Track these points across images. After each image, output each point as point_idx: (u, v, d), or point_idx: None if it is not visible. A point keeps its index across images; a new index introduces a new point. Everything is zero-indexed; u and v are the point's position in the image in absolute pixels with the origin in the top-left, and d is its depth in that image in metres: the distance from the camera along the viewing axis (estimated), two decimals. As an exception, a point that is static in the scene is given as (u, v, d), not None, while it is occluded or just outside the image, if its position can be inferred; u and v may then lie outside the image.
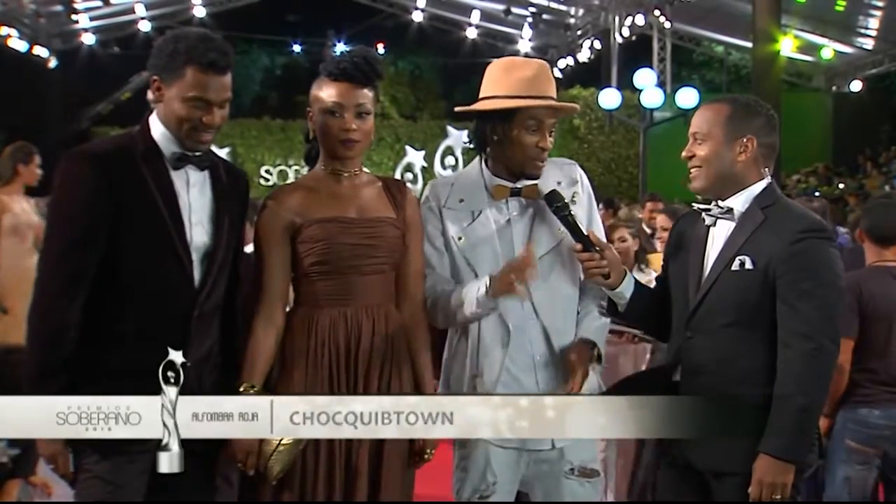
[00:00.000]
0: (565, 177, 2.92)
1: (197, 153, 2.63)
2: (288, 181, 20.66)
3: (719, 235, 2.76)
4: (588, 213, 2.94)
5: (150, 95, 2.60)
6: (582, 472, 2.83)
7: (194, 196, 2.63)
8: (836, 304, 2.66)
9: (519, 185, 2.85)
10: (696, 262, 2.77)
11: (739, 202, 2.73)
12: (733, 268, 2.66)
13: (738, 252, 2.67)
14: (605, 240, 2.90)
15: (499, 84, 2.84)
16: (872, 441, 3.84)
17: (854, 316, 3.83)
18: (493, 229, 2.82)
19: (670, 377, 2.79)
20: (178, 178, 2.61)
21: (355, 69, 2.69)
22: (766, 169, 2.78)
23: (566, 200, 2.79)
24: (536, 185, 2.85)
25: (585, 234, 2.78)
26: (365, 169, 2.88)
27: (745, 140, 2.73)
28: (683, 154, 2.80)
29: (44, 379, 2.50)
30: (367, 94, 2.72)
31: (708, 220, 2.79)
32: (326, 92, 2.71)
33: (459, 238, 2.83)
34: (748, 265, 2.64)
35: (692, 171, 2.78)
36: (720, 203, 2.75)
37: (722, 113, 2.75)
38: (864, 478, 3.87)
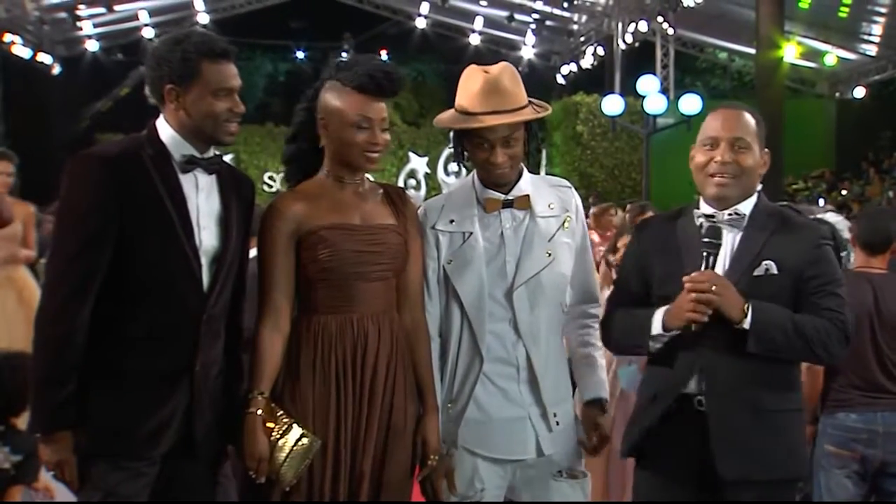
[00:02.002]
0: (558, 200, 2.90)
1: (207, 156, 2.63)
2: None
3: (724, 241, 2.72)
4: (580, 240, 2.93)
5: (168, 106, 2.58)
6: (570, 475, 2.85)
7: (203, 200, 2.63)
8: (848, 305, 2.72)
9: (511, 196, 2.84)
10: (696, 269, 2.69)
11: (747, 208, 2.76)
12: (756, 273, 2.66)
13: (757, 257, 2.67)
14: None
15: (459, 95, 2.83)
16: (848, 445, 3.87)
17: None
18: (481, 254, 2.81)
19: (683, 389, 2.72)
20: (186, 181, 2.60)
21: (387, 82, 2.67)
22: None
23: (720, 242, 2.71)
24: (528, 196, 2.84)
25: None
26: (368, 176, 2.88)
27: (766, 151, 2.78)
28: (718, 158, 2.72)
29: (52, 385, 2.48)
30: (385, 106, 2.73)
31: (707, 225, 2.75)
32: (354, 103, 2.67)
33: (449, 262, 2.82)
34: (774, 270, 2.66)
35: (728, 178, 2.71)
36: (737, 209, 2.74)
37: (752, 122, 2.76)
38: (844, 484, 3.89)
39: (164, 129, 2.60)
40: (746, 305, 2.58)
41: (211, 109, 2.56)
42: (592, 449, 2.90)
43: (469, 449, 2.81)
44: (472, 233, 2.82)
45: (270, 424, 2.61)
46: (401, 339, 2.76)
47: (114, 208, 2.49)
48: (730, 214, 2.73)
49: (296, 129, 2.80)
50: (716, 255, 2.67)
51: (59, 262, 2.53)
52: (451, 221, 2.85)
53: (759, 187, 2.79)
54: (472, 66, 2.88)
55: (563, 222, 2.87)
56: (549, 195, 2.90)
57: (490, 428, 2.80)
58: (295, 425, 2.60)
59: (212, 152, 2.67)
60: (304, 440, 2.59)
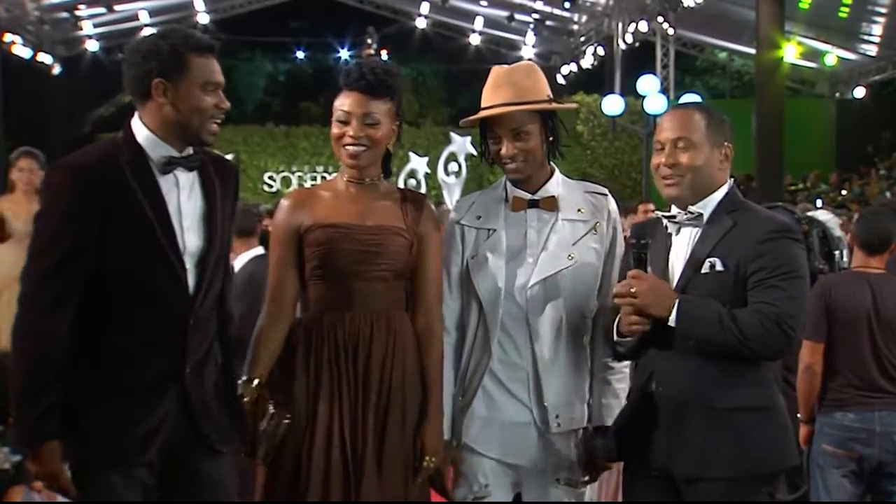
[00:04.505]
0: (589, 206, 2.89)
1: (185, 154, 2.58)
2: (291, 188, 20.66)
3: (682, 241, 2.74)
4: (608, 246, 2.90)
5: (154, 101, 2.51)
6: (567, 483, 2.87)
7: (184, 199, 2.57)
8: (802, 297, 2.65)
9: (537, 196, 2.86)
10: (659, 270, 2.72)
11: (707, 207, 2.73)
12: (703, 271, 2.65)
13: (707, 256, 2.65)
14: None
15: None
16: (846, 444, 3.90)
17: (823, 319, 3.93)
18: (503, 251, 2.82)
19: (647, 389, 2.74)
20: (166, 182, 2.54)
21: (358, 76, 2.73)
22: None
23: (646, 241, 2.71)
24: (554, 197, 2.85)
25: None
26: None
27: (726, 147, 2.74)
28: (663, 161, 2.72)
29: (29, 399, 2.42)
30: (380, 105, 2.75)
31: (671, 228, 2.76)
32: (339, 101, 2.77)
33: (473, 257, 2.84)
34: (718, 267, 2.63)
35: (671, 178, 2.71)
36: (690, 209, 2.72)
37: (702, 119, 2.72)
38: (841, 483, 3.91)
39: (140, 131, 2.54)
40: (674, 302, 2.58)
41: (199, 104, 2.52)
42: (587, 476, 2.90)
43: (473, 447, 2.83)
44: (495, 230, 2.85)
45: (261, 406, 2.70)
46: (401, 336, 2.77)
47: (91, 219, 2.43)
48: (687, 214, 2.72)
49: None
50: (645, 254, 2.67)
51: (35, 276, 2.45)
52: (478, 218, 2.88)
53: (728, 184, 2.75)
54: (496, 66, 2.95)
55: (593, 227, 2.86)
56: (581, 200, 2.90)
57: (494, 429, 2.82)
58: (270, 405, 2.70)
59: (191, 150, 2.60)
60: (274, 418, 2.68)
